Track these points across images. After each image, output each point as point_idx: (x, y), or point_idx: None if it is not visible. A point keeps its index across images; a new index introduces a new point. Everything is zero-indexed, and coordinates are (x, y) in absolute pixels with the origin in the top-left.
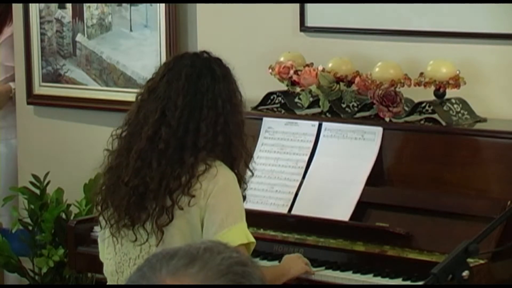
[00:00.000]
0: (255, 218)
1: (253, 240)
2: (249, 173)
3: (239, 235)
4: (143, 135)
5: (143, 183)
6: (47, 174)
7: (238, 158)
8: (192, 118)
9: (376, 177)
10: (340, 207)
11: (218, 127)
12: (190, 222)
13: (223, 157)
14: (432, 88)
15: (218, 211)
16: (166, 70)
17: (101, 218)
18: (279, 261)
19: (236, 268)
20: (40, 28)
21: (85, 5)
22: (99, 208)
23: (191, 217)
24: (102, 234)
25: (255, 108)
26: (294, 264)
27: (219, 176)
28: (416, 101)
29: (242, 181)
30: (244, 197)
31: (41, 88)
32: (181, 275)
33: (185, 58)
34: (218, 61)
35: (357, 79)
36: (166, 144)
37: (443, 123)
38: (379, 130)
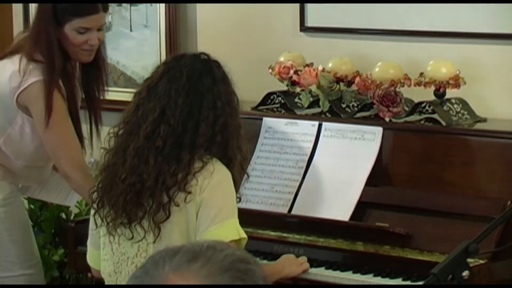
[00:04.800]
0: (255, 218)
1: (244, 236)
2: (244, 176)
3: (231, 230)
4: (141, 132)
5: (140, 180)
6: None
7: (234, 160)
8: (192, 117)
9: (376, 177)
10: (340, 207)
11: (217, 128)
12: (187, 218)
13: (219, 157)
14: (432, 88)
15: (211, 205)
16: (166, 70)
17: (96, 216)
18: None
19: (239, 265)
20: None
21: None
22: (95, 206)
23: (188, 213)
24: (97, 233)
25: (255, 108)
26: (288, 264)
27: (215, 172)
28: (416, 101)
29: (237, 183)
30: (240, 198)
31: None
32: (184, 271)
33: (185, 58)
34: (216, 63)
35: (357, 79)
36: (163, 142)
37: (443, 123)
38: (379, 130)
